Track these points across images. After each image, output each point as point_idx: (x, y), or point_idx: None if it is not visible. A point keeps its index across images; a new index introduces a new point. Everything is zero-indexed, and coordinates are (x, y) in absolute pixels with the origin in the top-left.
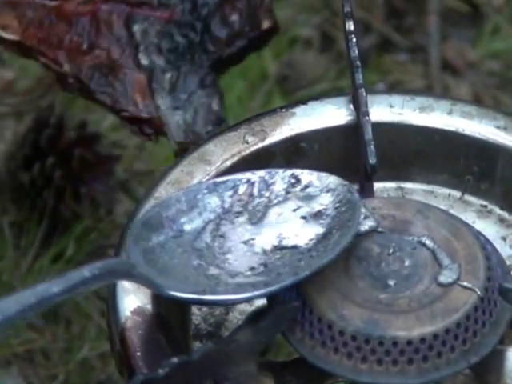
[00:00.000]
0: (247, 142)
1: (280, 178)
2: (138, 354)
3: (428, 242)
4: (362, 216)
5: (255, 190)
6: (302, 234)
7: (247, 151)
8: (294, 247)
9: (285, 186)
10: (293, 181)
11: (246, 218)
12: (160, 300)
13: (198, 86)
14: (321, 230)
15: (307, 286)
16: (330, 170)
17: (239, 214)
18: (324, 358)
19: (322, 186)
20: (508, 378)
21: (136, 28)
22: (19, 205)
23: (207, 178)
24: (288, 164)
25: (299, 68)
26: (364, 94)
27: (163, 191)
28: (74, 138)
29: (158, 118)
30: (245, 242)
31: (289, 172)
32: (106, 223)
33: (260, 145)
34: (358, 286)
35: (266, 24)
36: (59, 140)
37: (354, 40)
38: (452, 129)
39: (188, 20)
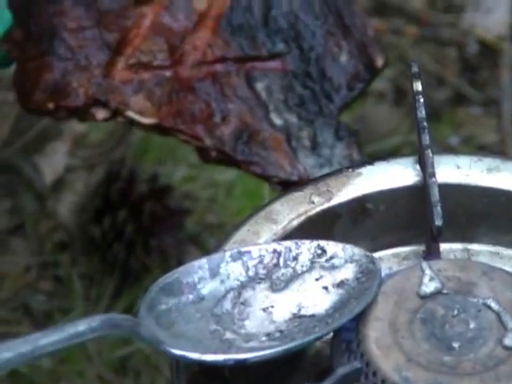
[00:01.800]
0: (313, 202)
1: (306, 248)
2: None
3: (493, 305)
4: (428, 278)
5: (281, 260)
6: (322, 303)
7: (313, 211)
8: (312, 316)
9: (310, 256)
10: (319, 252)
11: (269, 286)
12: None
13: (336, 139)
14: (340, 300)
15: (371, 347)
16: (396, 231)
17: (262, 280)
18: None
19: (347, 256)
20: None
21: (260, 87)
22: (90, 257)
23: (273, 237)
24: (354, 224)
25: (371, 121)
26: (430, 154)
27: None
28: (145, 191)
29: (307, 179)
30: (264, 309)
31: (315, 243)
32: None
33: (326, 205)
34: (422, 347)
35: (379, 62)
36: (130, 193)
37: (422, 100)
38: None
39: (302, 68)
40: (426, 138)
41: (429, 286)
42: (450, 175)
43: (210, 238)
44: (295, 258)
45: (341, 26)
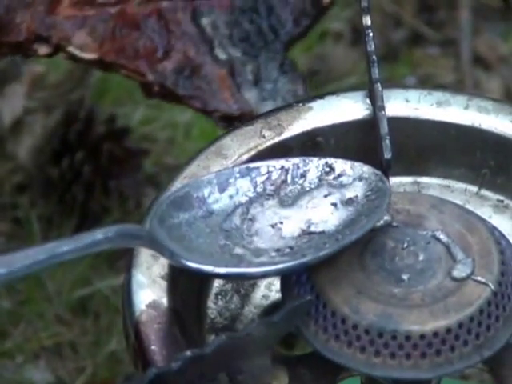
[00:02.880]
0: (264, 137)
1: (314, 166)
2: (153, 347)
3: (442, 237)
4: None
5: (289, 177)
6: (331, 219)
7: (264, 145)
8: (322, 232)
9: (318, 174)
10: (327, 169)
11: (277, 202)
12: (175, 294)
13: (280, 73)
14: (349, 216)
15: (321, 280)
16: None
17: (270, 197)
18: (338, 352)
19: (355, 175)
20: None
21: (205, 22)
22: (48, 199)
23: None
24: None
25: (329, 61)
26: (380, 88)
27: (180, 186)
28: (103, 133)
29: (249, 113)
30: (273, 226)
31: (323, 160)
32: (134, 217)
33: (276, 139)
34: (372, 280)
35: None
36: (88, 134)
37: (371, 35)
38: (468, 123)
39: (249, 4)
40: (376, 72)
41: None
42: (399, 109)
43: (168, 179)
44: (303, 175)
45: None
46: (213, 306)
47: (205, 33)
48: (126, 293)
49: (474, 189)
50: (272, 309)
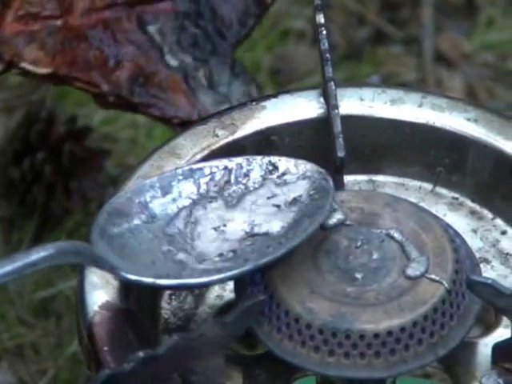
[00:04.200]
0: (217, 136)
1: (258, 164)
2: (106, 348)
3: (396, 235)
4: (330, 209)
5: (232, 177)
6: (274, 221)
7: (217, 145)
8: (266, 234)
9: (262, 173)
10: (270, 168)
11: (220, 204)
12: (129, 294)
13: (232, 76)
14: (293, 218)
15: (275, 280)
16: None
17: (213, 199)
18: (292, 352)
19: (299, 173)
20: (477, 370)
21: (152, 29)
22: (9, 200)
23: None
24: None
25: (292, 61)
26: (333, 87)
27: (133, 186)
28: (64, 133)
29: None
30: (216, 229)
31: (266, 159)
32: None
33: (230, 138)
34: (325, 279)
35: None
36: (49, 135)
37: (324, 33)
38: (422, 121)
39: (193, 8)
40: (329, 71)
41: (332, 218)
42: (353, 107)
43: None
44: (246, 175)
45: None
46: (167, 307)
47: (153, 40)
48: (79, 294)
49: (429, 186)
50: (226, 309)
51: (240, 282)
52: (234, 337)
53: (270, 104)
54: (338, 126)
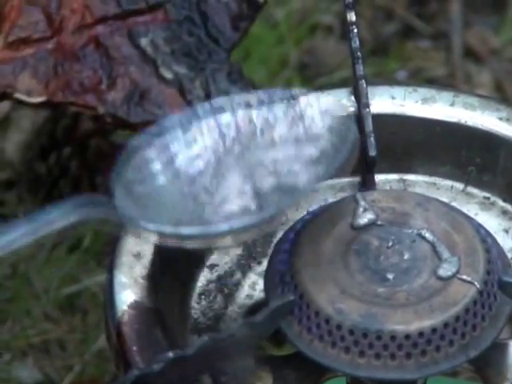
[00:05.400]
0: None
1: (279, 98)
2: (134, 348)
3: (427, 235)
4: (362, 209)
5: (253, 113)
6: (301, 172)
7: None
8: (292, 185)
9: (283, 107)
10: (292, 101)
11: (243, 146)
12: (158, 294)
13: (229, 83)
14: (315, 154)
15: (305, 280)
16: None
17: (236, 139)
18: (322, 353)
19: (320, 107)
20: (509, 372)
21: (144, 42)
22: (35, 195)
23: None
24: None
25: (319, 55)
26: (364, 85)
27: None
28: (90, 128)
29: None
30: (238, 171)
31: (288, 93)
32: None
33: None
34: (356, 279)
35: None
36: (76, 130)
37: (356, 31)
38: (454, 120)
39: (184, 14)
40: (360, 69)
41: (363, 218)
42: (384, 106)
43: None
44: (268, 110)
45: None
46: (196, 306)
47: (146, 53)
48: (107, 293)
49: (460, 186)
50: (256, 308)
51: (270, 281)
52: (263, 337)
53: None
54: (369, 125)
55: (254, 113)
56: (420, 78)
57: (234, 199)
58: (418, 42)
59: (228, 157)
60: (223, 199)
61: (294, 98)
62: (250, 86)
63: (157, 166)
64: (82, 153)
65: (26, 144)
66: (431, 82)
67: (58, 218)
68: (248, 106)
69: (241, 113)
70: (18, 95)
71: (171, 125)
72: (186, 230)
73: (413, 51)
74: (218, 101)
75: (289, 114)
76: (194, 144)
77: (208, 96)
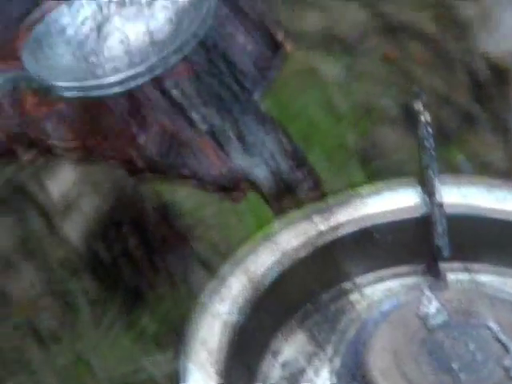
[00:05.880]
0: (314, 223)
1: None
2: None
3: (493, 326)
4: (434, 309)
5: None
6: (167, 29)
7: (313, 232)
8: (163, 41)
9: None
10: None
11: (117, 11)
12: (225, 380)
13: (259, 126)
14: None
15: (376, 376)
16: (400, 258)
17: (110, 10)
18: None
19: None
20: None
21: (173, 91)
22: (95, 274)
23: (273, 257)
24: (357, 248)
25: (379, 141)
26: (433, 176)
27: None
28: (151, 210)
29: (243, 177)
30: (120, 39)
31: None
32: (185, 303)
33: (327, 226)
34: (427, 378)
35: (280, 36)
36: (138, 215)
37: (423, 120)
38: None
39: (210, 64)
40: (428, 159)
41: (435, 318)
42: (455, 205)
43: (216, 259)
44: None
45: (234, 9)
46: None
47: (176, 101)
48: (176, 380)
49: None
50: None
51: (342, 376)
52: None
53: (367, 193)
54: (442, 225)
55: None
56: (480, 164)
57: (117, 57)
58: (479, 128)
59: (106, 24)
60: (108, 58)
61: None
62: (282, 134)
63: (53, 38)
64: (142, 234)
65: (87, 227)
66: (489, 167)
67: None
68: None
69: None
70: (51, 142)
71: (60, 11)
72: (88, 83)
73: (473, 137)
74: None
75: None
76: (78, 14)
77: (241, 141)
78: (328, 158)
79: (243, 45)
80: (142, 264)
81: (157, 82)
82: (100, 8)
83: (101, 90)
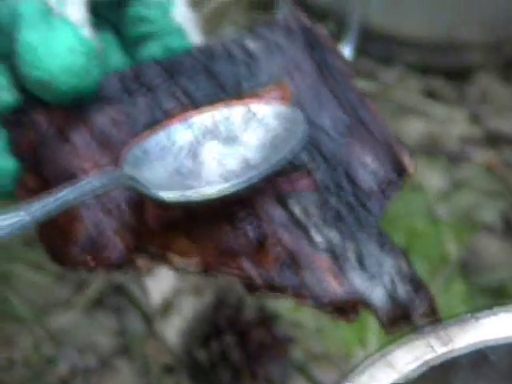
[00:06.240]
0: (432, 347)
1: (239, 111)
2: None
3: None
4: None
5: (220, 123)
6: (262, 154)
7: (431, 356)
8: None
9: (242, 117)
10: (250, 114)
11: (215, 142)
12: None
13: (380, 249)
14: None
15: None
16: None
17: (209, 137)
18: None
19: (275, 112)
20: None
21: (293, 206)
22: (194, 379)
23: (390, 381)
24: (473, 369)
25: (479, 253)
26: None
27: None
28: (252, 318)
29: (359, 298)
30: (216, 161)
31: (246, 107)
32: None
33: (445, 350)
34: None
35: (407, 160)
36: (238, 319)
37: None
38: None
39: (331, 178)
40: None
41: None
42: None
43: (315, 368)
44: (230, 121)
45: (361, 127)
46: None
47: (296, 217)
48: None
49: None
50: None
51: None
52: None
53: (486, 319)
54: None
55: (221, 123)
56: None
57: (217, 177)
58: None
59: (201, 150)
60: (207, 180)
61: (250, 109)
62: (401, 255)
63: (151, 157)
64: (243, 342)
65: (187, 330)
66: None
67: (98, 188)
68: (214, 118)
69: (209, 123)
70: (171, 255)
71: (156, 140)
72: (188, 193)
73: None
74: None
75: (248, 122)
76: (176, 140)
77: (360, 262)
78: (430, 270)
79: (367, 164)
80: (240, 369)
81: (278, 195)
82: (196, 137)
83: (201, 196)
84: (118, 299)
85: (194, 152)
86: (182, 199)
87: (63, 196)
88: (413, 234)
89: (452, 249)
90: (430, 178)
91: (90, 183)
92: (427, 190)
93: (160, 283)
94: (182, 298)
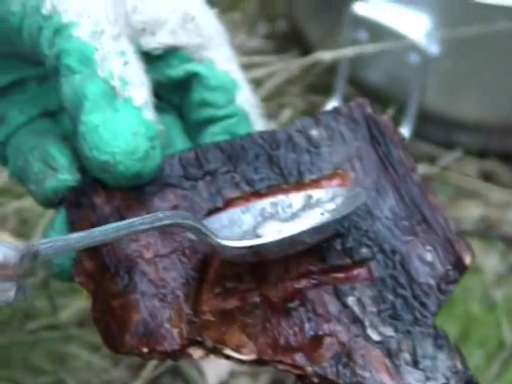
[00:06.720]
0: None
1: (297, 196)
2: None
3: None
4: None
5: (279, 208)
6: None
7: None
8: None
9: (302, 202)
10: (310, 200)
11: (276, 221)
12: None
13: (436, 349)
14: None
15: None
16: None
17: (268, 219)
18: None
19: (332, 195)
20: None
21: (351, 300)
22: None
23: None
24: None
25: None
26: None
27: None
28: None
29: None
30: (274, 231)
31: (303, 193)
32: None
33: None
34: None
35: (467, 259)
36: None
37: None
38: None
39: (388, 272)
40: None
41: None
42: None
43: None
44: (290, 205)
45: (421, 222)
46: None
47: (353, 312)
48: None
49: None
50: None
51: None
52: None
53: None
54: None
55: (279, 208)
56: None
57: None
58: None
59: (261, 228)
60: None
61: (308, 195)
62: (455, 354)
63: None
64: None
65: None
66: None
67: (164, 218)
68: (274, 204)
69: (269, 208)
70: (227, 351)
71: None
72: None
73: None
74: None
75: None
76: (239, 229)
77: (415, 361)
78: (486, 355)
79: (427, 260)
80: None
81: (335, 288)
82: (256, 218)
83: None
84: (174, 381)
85: (253, 229)
86: (247, 246)
87: (134, 222)
88: (469, 319)
89: (508, 334)
90: (487, 261)
91: (159, 216)
92: (483, 274)
93: (216, 365)
94: (239, 380)
